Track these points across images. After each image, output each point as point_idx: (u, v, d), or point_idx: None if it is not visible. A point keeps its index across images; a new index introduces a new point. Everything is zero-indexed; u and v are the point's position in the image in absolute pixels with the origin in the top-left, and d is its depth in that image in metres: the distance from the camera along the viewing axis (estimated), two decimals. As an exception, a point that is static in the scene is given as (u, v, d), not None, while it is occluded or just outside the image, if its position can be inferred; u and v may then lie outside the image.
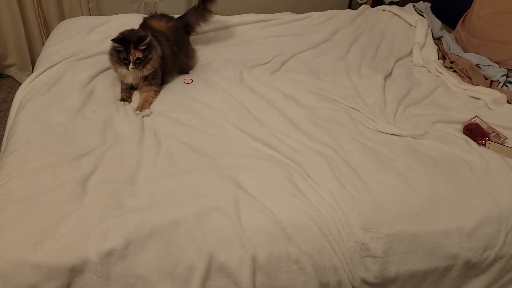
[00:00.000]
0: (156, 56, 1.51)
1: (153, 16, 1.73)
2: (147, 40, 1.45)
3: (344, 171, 1.26)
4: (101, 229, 1.01)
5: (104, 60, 1.68)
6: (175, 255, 1.03)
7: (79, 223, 1.02)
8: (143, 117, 1.43)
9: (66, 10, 2.57)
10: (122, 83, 1.55)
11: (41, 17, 2.53)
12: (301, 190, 1.20)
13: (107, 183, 1.15)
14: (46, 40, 2.54)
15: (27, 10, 2.46)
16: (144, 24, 1.68)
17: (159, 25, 1.65)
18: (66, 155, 1.21)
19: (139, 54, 1.44)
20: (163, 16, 1.72)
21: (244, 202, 1.13)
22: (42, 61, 1.73)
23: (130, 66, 1.45)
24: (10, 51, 2.61)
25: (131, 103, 1.52)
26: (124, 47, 1.43)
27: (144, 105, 1.47)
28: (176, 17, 1.80)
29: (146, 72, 1.50)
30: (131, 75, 1.50)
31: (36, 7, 2.47)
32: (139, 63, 1.45)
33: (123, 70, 1.50)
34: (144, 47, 1.45)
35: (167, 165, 1.24)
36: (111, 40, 1.46)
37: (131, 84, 1.54)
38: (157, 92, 1.54)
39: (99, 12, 2.59)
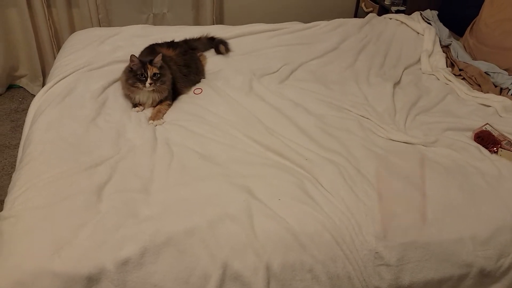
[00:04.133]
0: (169, 78, 1.55)
1: (160, 44, 1.77)
2: (161, 57, 1.50)
3: (355, 179, 1.27)
4: (117, 238, 1.02)
5: (116, 71, 1.71)
6: (190, 264, 1.03)
7: (95, 232, 1.03)
8: (155, 125, 1.45)
9: (76, 22, 2.62)
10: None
11: (52, 29, 2.58)
12: (313, 198, 1.20)
13: (122, 192, 1.16)
14: (57, 51, 2.59)
15: (38, 22, 2.51)
16: (153, 51, 1.70)
17: (167, 52, 1.69)
18: (81, 164, 1.23)
19: (155, 70, 1.48)
20: (170, 45, 1.76)
21: (256, 211, 1.14)
22: (55, 72, 1.75)
23: (148, 82, 1.46)
24: (21, 62, 2.66)
25: (144, 110, 1.53)
26: (141, 64, 1.47)
27: (157, 115, 1.49)
28: (181, 41, 1.85)
29: (160, 97, 1.53)
30: (146, 97, 1.52)
31: (47, 19, 2.51)
32: (156, 80, 1.48)
33: (136, 96, 1.52)
34: (159, 65, 1.49)
35: (180, 174, 1.25)
36: (131, 55, 1.49)
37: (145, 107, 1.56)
38: (170, 105, 1.57)
39: (108, 23, 2.63)
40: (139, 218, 1.08)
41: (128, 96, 1.57)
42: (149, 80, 1.46)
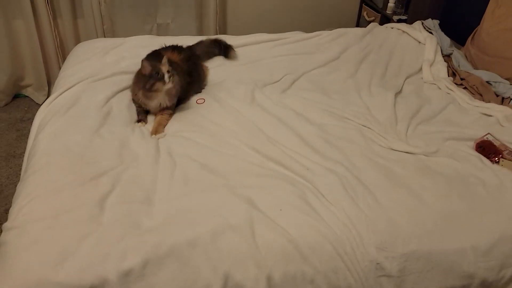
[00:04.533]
0: (178, 81, 1.55)
1: (165, 48, 1.77)
2: (167, 59, 1.50)
3: (357, 189, 1.27)
4: (119, 249, 1.03)
5: (120, 81, 1.73)
6: (192, 275, 1.04)
7: (98, 243, 1.04)
8: (158, 139, 1.46)
9: (81, 32, 2.66)
10: (140, 107, 1.58)
11: (58, 39, 2.61)
12: (315, 208, 1.21)
13: (125, 203, 1.17)
14: (62, 61, 2.63)
15: (44, 32, 2.54)
16: (159, 55, 1.68)
17: (172, 57, 1.69)
18: (85, 175, 1.24)
19: (168, 67, 1.48)
20: (174, 48, 1.76)
21: (258, 221, 1.15)
22: (61, 82, 1.78)
23: (166, 77, 1.45)
24: (27, 72, 2.69)
25: (147, 124, 1.55)
26: (153, 65, 1.47)
27: (158, 129, 1.49)
28: (185, 47, 1.84)
29: (171, 101, 1.54)
30: (160, 99, 1.52)
31: (53, 30, 2.55)
32: (170, 76, 1.47)
33: (154, 101, 1.52)
34: (168, 64, 1.50)
35: (182, 184, 1.26)
36: (142, 60, 1.49)
37: (151, 110, 1.57)
38: (171, 115, 1.58)
39: (113, 34, 2.67)
40: (141, 229, 1.09)
41: (141, 103, 1.55)
42: (166, 75, 1.45)
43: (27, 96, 2.74)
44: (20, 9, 2.45)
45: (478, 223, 1.21)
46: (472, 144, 1.51)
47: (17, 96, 2.74)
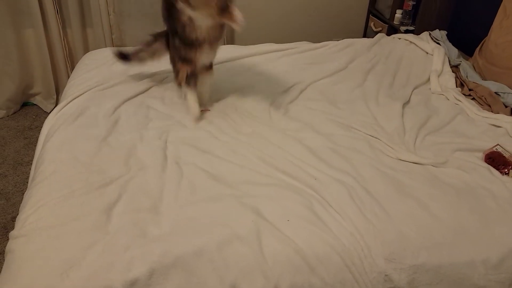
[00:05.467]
0: None
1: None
2: None
3: (364, 200, 1.26)
4: (125, 258, 1.02)
5: (128, 90, 1.74)
6: (198, 285, 1.03)
7: (104, 252, 1.03)
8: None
9: (90, 42, 2.69)
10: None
11: (67, 48, 2.65)
12: (322, 219, 1.19)
13: (131, 211, 1.17)
14: (71, 70, 2.66)
15: (53, 42, 2.58)
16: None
17: None
18: (92, 183, 1.24)
19: None
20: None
21: (265, 232, 1.14)
22: (69, 91, 1.79)
23: None
24: (36, 81, 2.72)
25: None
26: None
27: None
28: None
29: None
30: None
31: (62, 39, 2.58)
32: None
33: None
34: None
35: (189, 193, 1.26)
36: None
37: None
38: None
39: (122, 43, 2.70)
40: (147, 238, 1.09)
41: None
42: None
43: (35, 104, 2.77)
44: (31, 18, 2.49)
45: (488, 236, 1.19)
46: (481, 155, 1.50)
47: (25, 104, 2.77)
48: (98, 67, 1.97)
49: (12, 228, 1.12)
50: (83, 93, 1.73)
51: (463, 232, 1.19)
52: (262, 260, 1.07)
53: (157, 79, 1.90)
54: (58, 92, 2.73)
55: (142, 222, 1.13)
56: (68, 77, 2.63)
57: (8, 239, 1.10)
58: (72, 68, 2.62)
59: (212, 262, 1.05)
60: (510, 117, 1.70)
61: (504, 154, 1.46)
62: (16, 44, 2.53)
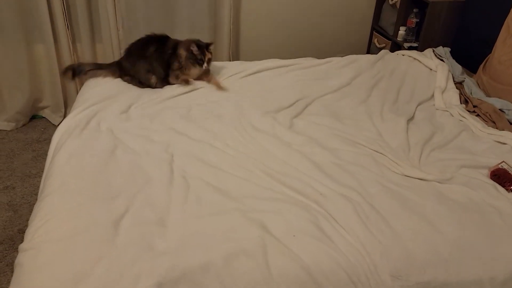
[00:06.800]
0: None
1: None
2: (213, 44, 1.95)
3: (370, 216, 1.27)
4: (133, 272, 1.03)
5: (134, 103, 1.76)
6: (204, 300, 1.03)
7: (112, 265, 1.04)
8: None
9: (99, 56, 2.73)
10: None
11: (76, 63, 2.68)
12: (328, 235, 1.20)
13: (139, 225, 1.18)
14: (79, 84, 2.69)
15: (63, 56, 2.62)
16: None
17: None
18: (99, 196, 1.26)
19: (210, 56, 1.93)
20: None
21: (271, 247, 1.14)
22: (77, 105, 1.82)
23: (204, 65, 1.93)
24: (45, 94, 2.76)
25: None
26: (200, 51, 1.91)
27: (219, 84, 1.98)
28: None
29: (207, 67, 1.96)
30: (197, 73, 2.00)
31: (71, 54, 2.63)
32: (209, 63, 1.94)
33: (192, 71, 1.98)
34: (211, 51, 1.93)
35: (196, 207, 1.27)
36: (193, 43, 1.91)
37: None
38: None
39: (129, 57, 2.73)
40: (155, 252, 1.09)
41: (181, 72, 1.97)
42: (205, 64, 1.94)
43: (44, 117, 2.81)
44: (41, 34, 2.53)
45: (495, 253, 1.19)
46: (487, 172, 1.50)
47: (34, 117, 2.80)
48: (106, 82, 2.00)
49: (19, 240, 1.13)
50: (90, 106, 1.75)
51: (470, 249, 1.19)
52: (268, 275, 1.07)
53: (163, 92, 1.93)
54: (67, 105, 2.77)
55: (149, 236, 1.14)
56: (77, 91, 2.67)
57: (15, 251, 1.11)
58: (81, 82, 2.66)
59: (218, 277, 1.06)
60: (515, 134, 1.71)
61: (510, 172, 1.47)
62: (27, 58, 2.58)
